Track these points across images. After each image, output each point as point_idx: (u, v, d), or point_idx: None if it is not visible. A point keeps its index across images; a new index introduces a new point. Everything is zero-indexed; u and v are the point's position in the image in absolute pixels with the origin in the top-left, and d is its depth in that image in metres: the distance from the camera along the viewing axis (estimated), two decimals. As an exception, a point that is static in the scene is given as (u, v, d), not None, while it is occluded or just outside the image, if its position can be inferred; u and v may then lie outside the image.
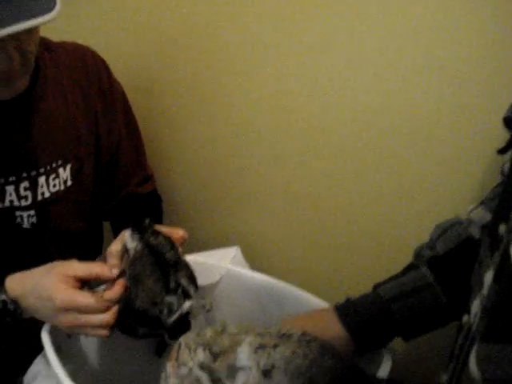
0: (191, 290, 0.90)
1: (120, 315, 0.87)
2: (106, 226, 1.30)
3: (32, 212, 1.10)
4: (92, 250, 1.26)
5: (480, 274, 0.71)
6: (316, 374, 0.75)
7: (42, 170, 1.09)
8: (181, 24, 1.28)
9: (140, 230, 0.91)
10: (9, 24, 0.81)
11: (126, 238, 0.91)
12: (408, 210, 1.11)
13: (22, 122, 1.07)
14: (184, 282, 0.89)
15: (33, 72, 1.04)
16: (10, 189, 1.06)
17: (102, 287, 0.92)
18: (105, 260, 0.93)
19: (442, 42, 0.98)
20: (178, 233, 0.95)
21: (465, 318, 0.72)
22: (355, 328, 0.86)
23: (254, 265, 1.18)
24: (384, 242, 1.15)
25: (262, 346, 0.75)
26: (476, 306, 0.69)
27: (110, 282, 0.90)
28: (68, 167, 1.13)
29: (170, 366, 0.75)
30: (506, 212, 0.65)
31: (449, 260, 0.86)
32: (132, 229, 0.92)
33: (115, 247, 0.92)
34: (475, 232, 0.85)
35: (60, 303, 0.84)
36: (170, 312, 0.87)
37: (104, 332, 0.87)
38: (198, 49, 1.28)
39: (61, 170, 1.12)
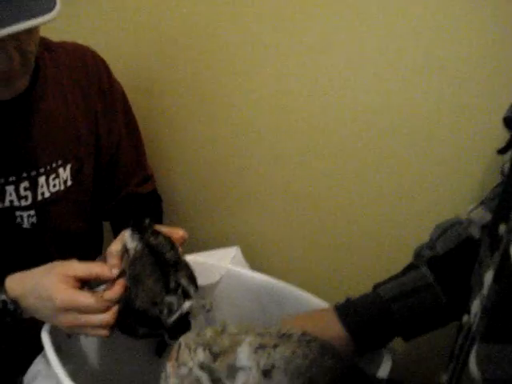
0: (191, 290, 0.90)
1: (120, 315, 0.87)
2: (106, 226, 1.30)
3: (32, 212, 1.10)
4: (92, 250, 1.26)
5: (480, 273, 0.71)
6: (316, 374, 0.75)
7: (41, 170, 1.09)
8: (181, 24, 1.28)
9: (140, 230, 0.91)
10: (9, 24, 0.81)
11: (126, 238, 0.91)
12: (408, 210, 1.10)
13: (22, 122, 1.06)
14: (184, 282, 0.89)
15: (33, 72, 1.04)
16: (9, 189, 1.06)
17: (102, 287, 0.92)
18: (105, 260, 0.93)
19: (442, 41, 0.98)
20: (178, 233, 0.95)
21: (465, 318, 0.72)
22: (355, 328, 0.86)
23: (254, 265, 1.18)
24: (384, 241, 1.15)
25: (262, 346, 0.75)
26: (476, 306, 0.69)
27: (110, 281, 0.90)
28: (68, 167, 1.13)
29: (169, 366, 0.75)
30: (506, 212, 0.65)
31: (449, 260, 0.86)
32: (132, 229, 0.92)
33: (115, 247, 0.92)
34: (475, 232, 0.85)
35: (60, 303, 0.84)
36: (170, 312, 0.87)
37: (104, 332, 0.87)
38: (198, 49, 1.28)
39: (61, 170, 1.12)
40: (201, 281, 0.94)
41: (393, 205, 1.12)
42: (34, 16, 0.83)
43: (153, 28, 1.32)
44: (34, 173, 1.08)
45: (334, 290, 1.03)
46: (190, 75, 1.31)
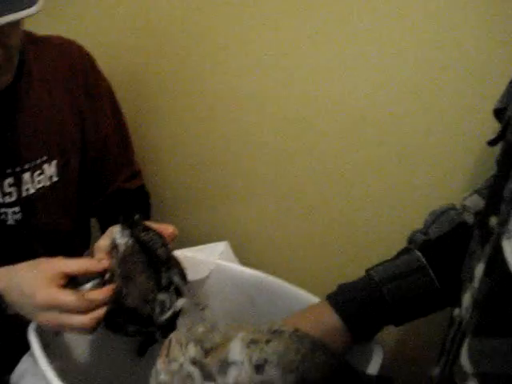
0: (184, 287, 0.89)
1: (110, 313, 0.86)
2: (93, 222, 1.29)
3: (17, 209, 1.09)
4: (79, 247, 1.25)
5: (470, 266, 0.71)
6: (307, 369, 0.75)
7: (26, 166, 1.08)
8: (170, 19, 1.27)
9: (130, 226, 0.90)
10: None
11: (116, 234, 0.90)
12: (398, 204, 1.11)
13: (6, 118, 1.05)
14: (177, 279, 0.89)
15: (17, 66, 1.03)
16: (-6, 185, 1.05)
17: (89, 286, 0.91)
18: (92, 255, 0.92)
19: (438, 39, 0.98)
20: (168, 229, 0.94)
21: (456, 311, 0.72)
22: (347, 312, 0.85)
23: (243, 259, 1.18)
24: (374, 235, 1.15)
25: (254, 341, 0.75)
26: (467, 299, 0.69)
27: (98, 280, 0.89)
28: (53, 163, 1.11)
29: (160, 363, 0.75)
30: (497, 204, 0.65)
31: (441, 244, 0.86)
32: (122, 224, 0.91)
33: (103, 242, 0.91)
34: (469, 218, 0.85)
35: (40, 301, 0.83)
36: (162, 310, 0.87)
37: (85, 332, 0.86)
38: (188, 44, 1.27)
39: (46, 166, 1.10)
40: (190, 276, 0.94)
41: (383, 198, 1.12)
42: (16, 9, 0.82)
43: (141, 23, 1.32)
44: (18, 169, 1.07)
45: (323, 284, 1.02)
46: (178, 70, 1.31)
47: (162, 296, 0.87)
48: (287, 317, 0.91)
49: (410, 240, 0.90)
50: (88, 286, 0.91)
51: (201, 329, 0.78)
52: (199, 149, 1.34)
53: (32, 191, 1.09)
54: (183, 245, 1.05)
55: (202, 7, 1.22)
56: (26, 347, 0.87)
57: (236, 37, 1.20)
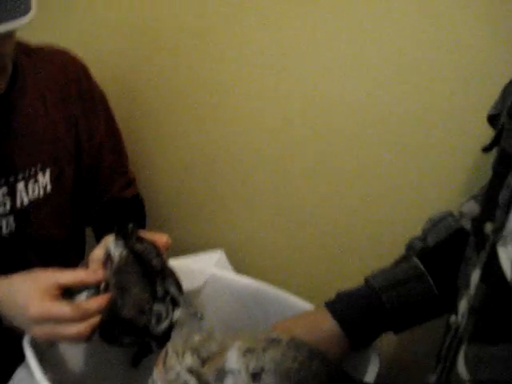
0: (180, 298, 0.89)
1: (105, 324, 0.85)
2: (88, 231, 1.29)
3: (11, 219, 1.08)
4: (74, 257, 1.24)
5: (466, 273, 0.71)
6: (304, 377, 0.75)
7: (20, 176, 1.07)
8: (164, 25, 1.27)
9: (124, 236, 0.90)
10: None
11: (110, 244, 0.90)
12: (394, 212, 1.11)
13: (0, 127, 1.05)
14: (173, 290, 0.88)
15: (11, 76, 1.03)
16: (-13, 196, 1.05)
17: (83, 297, 0.91)
18: (87, 266, 0.92)
19: (436, 42, 0.99)
20: (162, 239, 0.94)
21: (452, 318, 0.72)
22: (346, 320, 0.85)
23: (239, 268, 1.18)
24: (370, 243, 1.15)
25: (251, 350, 0.74)
26: (463, 305, 0.69)
27: (94, 288, 0.89)
28: (47, 172, 1.11)
29: (157, 372, 0.75)
30: (492, 211, 0.65)
31: (440, 251, 0.86)
32: (116, 235, 0.90)
33: (98, 253, 0.91)
34: (467, 224, 0.85)
35: (34, 313, 0.82)
36: (159, 321, 0.86)
37: (81, 341, 0.85)
38: (182, 50, 1.27)
39: (40, 175, 1.10)
40: (185, 286, 0.93)
41: (380, 207, 1.12)
42: (8, 19, 0.82)
43: (134, 29, 1.32)
44: (12, 178, 1.06)
45: (319, 293, 1.03)
46: (172, 77, 1.31)
47: (157, 307, 0.86)
48: (281, 321, 0.91)
49: (408, 247, 0.90)
50: (83, 296, 0.91)
51: (197, 338, 0.78)
52: (194, 156, 1.34)
53: (26, 201, 1.09)
54: (178, 253, 1.04)
55: (197, 12, 1.22)
56: (21, 357, 0.86)
57: (232, 40, 1.20)
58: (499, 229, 0.62)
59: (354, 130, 1.11)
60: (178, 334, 0.88)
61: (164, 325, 0.86)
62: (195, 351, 0.75)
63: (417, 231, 0.91)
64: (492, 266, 0.62)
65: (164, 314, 0.87)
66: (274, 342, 0.77)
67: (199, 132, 1.31)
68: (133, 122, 1.37)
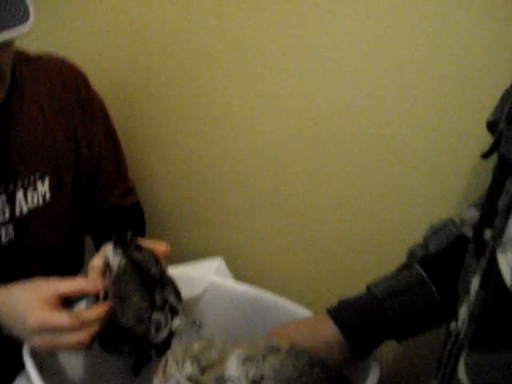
0: (179, 306, 0.88)
1: (104, 333, 0.85)
2: (88, 239, 1.29)
3: (10, 228, 1.08)
4: (73, 265, 1.24)
5: (466, 280, 0.71)
6: (305, 384, 0.75)
7: (19, 184, 1.07)
8: (163, 34, 1.27)
9: (123, 245, 0.90)
10: None
11: (108, 253, 0.89)
12: (391, 219, 1.11)
13: (-1, 135, 1.05)
14: (172, 298, 0.88)
15: (9, 84, 1.03)
16: (-14, 204, 1.04)
17: (82, 306, 0.90)
18: (86, 275, 0.92)
19: (440, 51, 0.99)
20: (160, 247, 0.94)
21: (452, 324, 0.72)
22: (348, 327, 0.85)
23: (239, 275, 1.18)
24: (370, 251, 1.15)
25: (250, 358, 0.74)
26: (463, 312, 0.69)
27: (93, 297, 0.88)
28: (46, 180, 1.11)
29: (157, 381, 0.75)
30: (491, 217, 0.65)
31: (441, 258, 0.86)
32: (114, 243, 0.90)
33: (97, 262, 0.91)
34: (468, 231, 0.85)
35: (33, 324, 0.82)
36: (158, 329, 0.86)
37: (81, 350, 0.85)
38: (180, 59, 1.27)
39: (39, 184, 1.10)
40: (185, 293, 0.93)
41: (380, 213, 1.12)
42: (6, 28, 0.82)
43: (134, 39, 1.32)
44: (11, 187, 1.06)
45: (318, 300, 1.03)
46: (172, 85, 1.31)
47: (156, 315, 0.86)
48: (281, 326, 0.90)
49: (410, 255, 0.90)
50: (82, 305, 0.90)
51: (197, 346, 0.77)
52: (193, 163, 1.34)
53: (25, 209, 1.09)
54: (178, 260, 1.04)
55: (196, 23, 1.22)
56: (20, 366, 0.86)
57: (232, 51, 1.20)
58: (499, 235, 0.62)
59: (352, 139, 1.11)
60: (177, 342, 0.88)
61: (163, 333, 0.86)
62: (195, 359, 0.74)
63: (417, 237, 0.91)
64: (492, 272, 0.62)
65: (163, 323, 0.86)
66: (273, 349, 0.77)
67: (198, 140, 1.31)
68: (132, 130, 1.37)
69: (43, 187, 1.11)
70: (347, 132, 1.11)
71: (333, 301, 0.90)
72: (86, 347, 0.85)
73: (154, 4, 1.26)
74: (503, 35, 0.92)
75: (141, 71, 1.33)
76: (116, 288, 0.87)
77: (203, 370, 0.74)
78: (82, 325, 0.83)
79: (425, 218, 0.95)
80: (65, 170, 1.14)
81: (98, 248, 0.96)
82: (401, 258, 0.91)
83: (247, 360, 0.74)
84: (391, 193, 1.10)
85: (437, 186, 1.05)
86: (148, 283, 0.87)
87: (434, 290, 0.84)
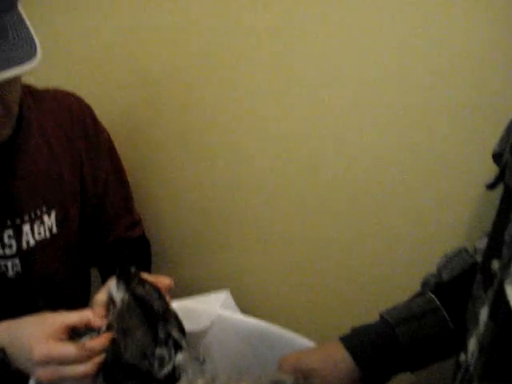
0: (183, 341, 0.88)
1: (108, 368, 0.85)
2: (94, 271, 1.28)
3: (17, 261, 1.08)
4: (79, 298, 1.24)
5: (475, 311, 0.70)
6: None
7: (26, 218, 1.07)
8: (169, 70, 1.28)
9: (126, 280, 0.89)
10: None
11: (112, 288, 0.89)
12: (397, 252, 1.10)
13: (5, 170, 1.05)
14: (175, 333, 0.87)
15: (17, 119, 1.04)
16: (-7, 237, 1.05)
17: (87, 339, 0.90)
18: (91, 309, 0.91)
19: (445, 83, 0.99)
20: (164, 281, 0.93)
21: (462, 356, 0.71)
22: (357, 350, 0.84)
23: (245, 307, 1.17)
24: (377, 286, 1.14)
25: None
26: (473, 343, 0.68)
27: (96, 332, 0.88)
28: (53, 214, 1.11)
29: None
30: (498, 248, 0.65)
31: (455, 286, 0.85)
32: (117, 278, 0.90)
33: (101, 296, 0.90)
34: (480, 259, 0.84)
35: (38, 355, 0.81)
36: (161, 365, 0.85)
37: (86, 381, 0.84)
38: (186, 95, 1.28)
39: (45, 217, 1.10)
40: (192, 326, 0.93)
41: (387, 248, 1.12)
42: (14, 65, 0.83)
43: (140, 75, 1.33)
44: (18, 220, 1.07)
45: (324, 333, 1.02)
46: (176, 119, 1.31)
47: (160, 350, 0.85)
48: (293, 352, 0.89)
49: (423, 284, 0.90)
50: (86, 339, 0.90)
51: (201, 382, 0.76)
52: (199, 197, 1.34)
53: (32, 243, 1.09)
54: (184, 294, 1.04)
55: (200, 58, 1.23)
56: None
57: (236, 84, 1.21)
58: (506, 266, 0.62)
59: (359, 173, 1.12)
60: (182, 377, 0.87)
61: (167, 369, 0.85)
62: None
63: (425, 269, 0.90)
64: (500, 303, 0.61)
65: (167, 358, 0.86)
66: (278, 383, 0.76)
67: (204, 174, 1.32)
68: (138, 163, 1.38)
69: (50, 220, 1.11)
70: (354, 169, 1.12)
71: (338, 333, 0.90)
72: (92, 378, 0.84)
73: (160, 34, 1.27)
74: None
75: (148, 104, 1.34)
76: (119, 323, 0.86)
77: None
78: (88, 355, 0.83)
79: (429, 251, 0.95)
80: (71, 202, 1.14)
81: (104, 281, 0.96)
82: (406, 291, 0.91)
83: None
84: (399, 229, 1.10)
85: (444, 215, 1.05)
86: (151, 318, 0.87)
87: (446, 317, 0.83)
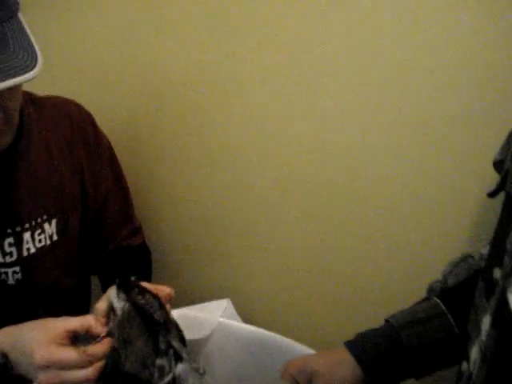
0: (183, 351, 0.87)
1: (108, 377, 0.84)
2: (94, 279, 1.28)
3: (17, 268, 1.08)
4: (79, 305, 1.24)
5: (476, 319, 0.70)
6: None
7: (27, 226, 1.07)
8: (169, 77, 1.29)
9: (126, 289, 0.89)
10: None
11: (112, 298, 0.89)
12: (399, 261, 1.11)
13: (6, 178, 1.05)
14: (175, 343, 0.87)
15: (17, 127, 1.04)
16: (-6, 245, 1.04)
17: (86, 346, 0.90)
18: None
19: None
20: (164, 291, 0.93)
21: (464, 365, 0.71)
22: (362, 353, 0.84)
23: (246, 316, 1.17)
24: (376, 294, 1.14)
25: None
26: (475, 352, 0.68)
27: (96, 339, 0.88)
28: (53, 222, 1.11)
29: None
30: (500, 256, 0.65)
31: (460, 291, 0.85)
32: (117, 287, 0.89)
33: (102, 305, 0.90)
34: None
35: (39, 360, 0.81)
36: (161, 375, 0.85)
37: None
38: (187, 101, 1.28)
39: (46, 225, 1.10)
40: (193, 335, 0.93)
41: (387, 255, 1.12)
42: (14, 75, 0.83)
43: (141, 82, 1.33)
44: (18, 228, 1.07)
45: (326, 341, 1.02)
46: (177, 128, 1.31)
47: (160, 360, 0.85)
48: (298, 357, 0.89)
49: (429, 290, 0.90)
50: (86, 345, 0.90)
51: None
52: (199, 205, 1.34)
53: (33, 250, 1.09)
54: (185, 302, 1.04)
55: (201, 66, 1.23)
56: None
57: (238, 94, 1.21)
58: (509, 274, 0.61)
59: (357, 179, 1.12)
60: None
61: (167, 379, 0.85)
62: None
63: (425, 277, 0.90)
64: (503, 312, 0.61)
65: (167, 368, 0.85)
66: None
67: (204, 183, 1.32)
68: (138, 170, 1.38)
69: (50, 228, 1.11)
70: (351, 175, 1.12)
71: (338, 341, 0.89)
72: (95, 382, 0.84)
73: (161, 42, 1.27)
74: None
75: (148, 112, 1.34)
76: (120, 333, 0.86)
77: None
78: (89, 360, 0.83)
79: (430, 259, 0.95)
80: (71, 210, 1.14)
81: (104, 289, 0.95)
82: (408, 297, 0.90)
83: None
84: (396, 234, 1.10)
85: (443, 227, 1.05)
86: (152, 327, 0.87)
87: (452, 322, 0.83)
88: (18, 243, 1.07)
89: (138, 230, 1.28)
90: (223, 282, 1.35)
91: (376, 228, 1.12)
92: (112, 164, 1.22)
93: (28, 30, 0.89)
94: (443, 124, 1.01)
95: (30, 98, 1.11)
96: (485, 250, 0.87)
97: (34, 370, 0.83)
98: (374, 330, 0.87)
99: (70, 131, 1.15)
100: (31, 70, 0.85)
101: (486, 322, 0.66)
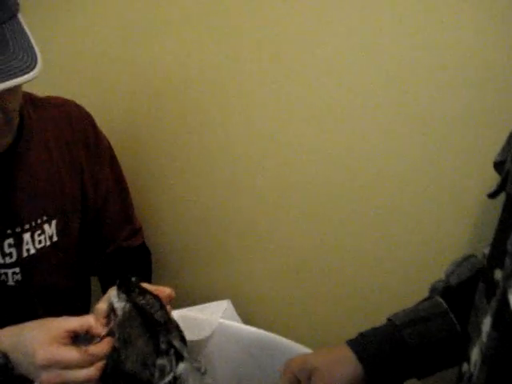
0: (184, 351, 0.87)
1: (109, 377, 0.84)
2: (94, 280, 1.28)
3: (17, 269, 1.08)
4: (79, 306, 1.24)
5: (477, 321, 0.70)
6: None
7: (26, 227, 1.07)
8: (168, 77, 1.28)
9: (127, 289, 0.89)
10: None
11: (113, 298, 0.89)
12: (396, 259, 1.10)
13: (6, 178, 1.05)
14: (176, 343, 0.87)
15: (17, 127, 1.03)
16: (-7, 246, 1.04)
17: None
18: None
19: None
20: (164, 291, 0.93)
21: (464, 366, 0.71)
22: (362, 350, 0.84)
23: (246, 318, 1.17)
24: (376, 295, 1.14)
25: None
26: (476, 353, 0.68)
27: (97, 339, 0.88)
28: (53, 223, 1.11)
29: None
30: (501, 257, 0.65)
31: (463, 290, 0.85)
32: (118, 288, 0.89)
33: (102, 306, 0.90)
34: None
35: (41, 359, 0.81)
36: (162, 375, 0.85)
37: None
38: (186, 101, 1.28)
39: (46, 226, 1.10)
40: (193, 335, 0.93)
41: (387, 255, 1.12)
42: (14, 76, 0.83)
43: (141, 83, 1.33)
44: (18, 229, 1.07)
45: (325, 342, 1.02)
46: (177, 129, 1.31)
47: (161, 360, 0.85)
48: (300, 355, 0.89)
49: (432, 289, 0.90)
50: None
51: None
52: (200, 206, 1.34)
53: (32, 251, 1.09)
54: (185, 302, 1.04)
55: (201, 67, 1.23)
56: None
57: (238, 95, 1.21)
58: (510, 276, 0.61)
59: (357, 179, 1.12)
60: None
61: (167, 378, 0.85)
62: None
63: (425, 277, 0.90)
64: (503, 313, 0.61)
65: (168, 368, 0.86)
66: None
67: (206, 182, 1.32)
68: (138, 171, 1.38)
69: (50, 229, 1.11)
70: (351, 175, 1.12)
71: (338, 342, 0.89)
72: (96, 382, 0.84)
73: (161, 42, 1.27)
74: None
75: (148, 112, 1.34)
76: (120, 333, 0.86)
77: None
78: (91, 359, 0.83)
79: (429, 259, 0.95)
80: (71, 211, 1.14)
81: (104, 290, 0.95)
82: (408, 298, 0.90)
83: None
84: (396, 235, 1.10)
85: (443, 227, 1.05)
86: (152, 328, 0.87)
87: (454, 320, 0.83)
88: (18, 244, 1.07)
89: (137, 231, 1.27)
90: (223, 283, 1.35)
91: (376, 228, 1.12)
92: (112, 164, 1.22)
93: (28, 31, 0.89)
94: (443, 124, 1.01)
95: (30, 99, 1.11)
96: (487, 250, 0.86)
97: (36, 370, 0.83)
98: (376, 329, 0.87)
99: (70, 132, 1.15)
100: (31, 70, 0.85)
101: (486, 323, 0.66)
